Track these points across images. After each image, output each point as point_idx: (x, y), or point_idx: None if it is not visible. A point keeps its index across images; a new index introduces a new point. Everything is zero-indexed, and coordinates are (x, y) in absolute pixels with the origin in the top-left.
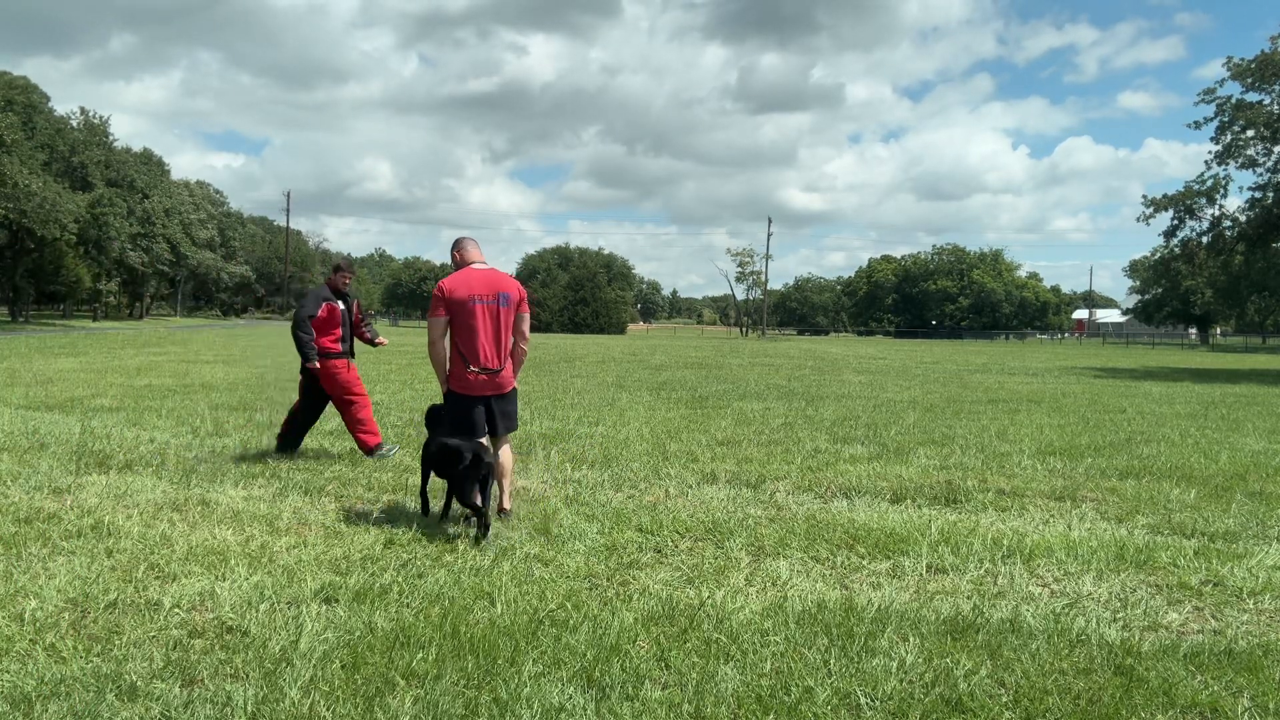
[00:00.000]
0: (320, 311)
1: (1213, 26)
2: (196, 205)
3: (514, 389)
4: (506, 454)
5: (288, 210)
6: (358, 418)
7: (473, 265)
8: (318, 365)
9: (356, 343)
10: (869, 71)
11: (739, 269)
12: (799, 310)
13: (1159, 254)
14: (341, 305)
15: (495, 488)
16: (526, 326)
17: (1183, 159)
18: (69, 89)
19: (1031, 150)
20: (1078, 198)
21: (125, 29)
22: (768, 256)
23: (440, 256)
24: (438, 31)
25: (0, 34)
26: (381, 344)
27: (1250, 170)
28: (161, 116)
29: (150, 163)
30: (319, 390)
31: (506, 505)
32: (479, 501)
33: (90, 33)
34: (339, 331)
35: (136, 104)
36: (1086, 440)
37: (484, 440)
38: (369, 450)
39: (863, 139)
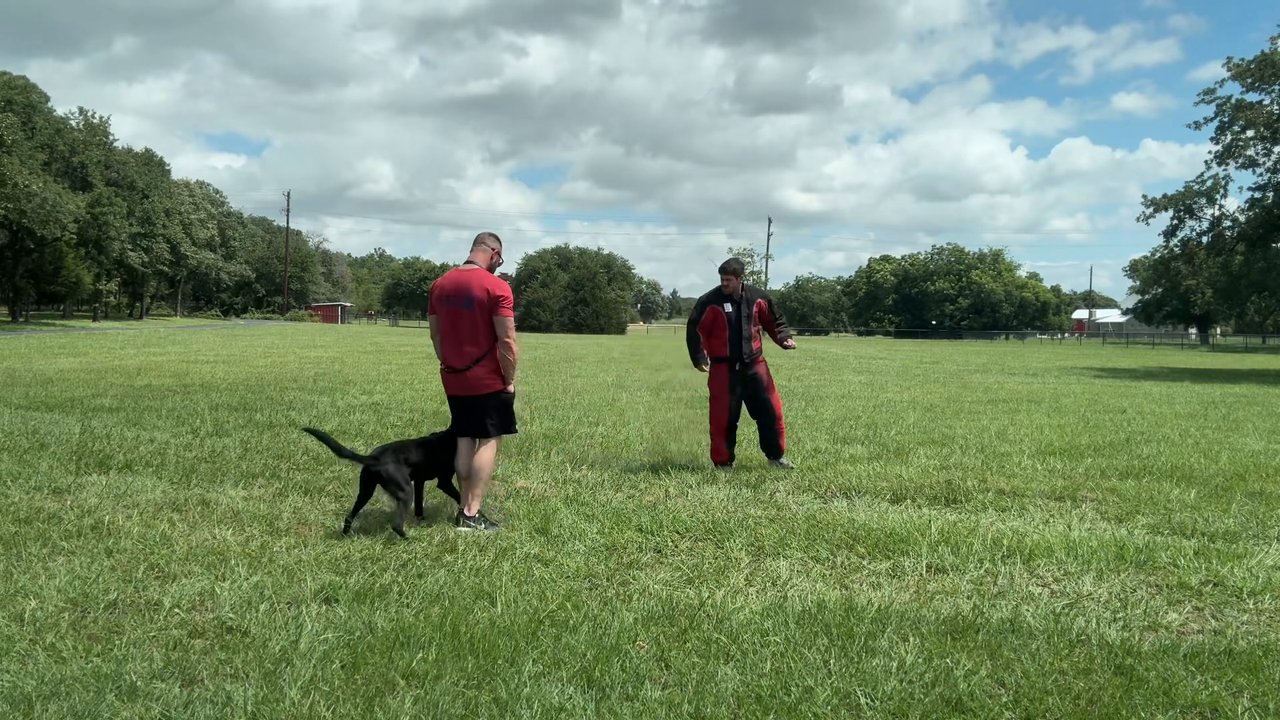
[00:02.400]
0: (704, 316)
1: (1207, 29)
2: (196, 205)
3: (489, 393)
4: (478, 459)
5: (287, 210)
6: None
7: (461, 265)
8: (704, 369)
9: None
10: (866, 73)
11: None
12: (799, 310)
13: (1159, 254)
14: (728, 309)
15: (468, 489)
16: (503, 329)
17: (1179, 160)
18: (72, 91)
19: (1029, 151)
20: (1075, 198)
21: (128, 32)
22: (768, 256)
23: (440, 256)
24: (437, 34)
25: (3, 36)
26: (790, 347)
27: (1250, 170)
28: (163, 118)
29: (151, 163)
30: (734, 389)
31: (468, 511)
32: (356, 508)
33: (93, 36)
34: (724, 335)
35: (139, 106)
36: (1086, 440)
37: (464, 439)
38: (721, 462)
39: (860, 140)
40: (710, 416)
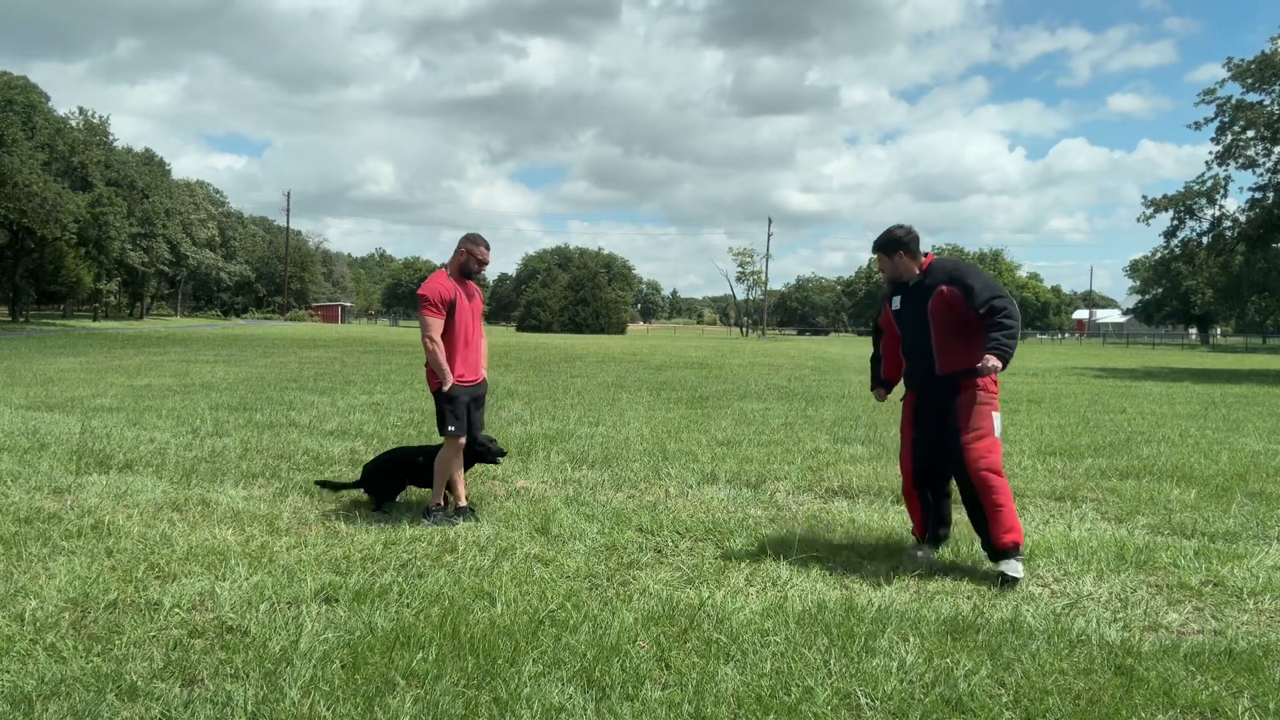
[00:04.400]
0: (881, 316)
1: (1202, 31)
2: (196, 205)
3: (434, 391)
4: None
5: (288, 210)
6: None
7: None
8: (878, 395)
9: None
10: (864, 75)
11: (739, 269)
12: (799, 310)
13: (1159, 254)
14: (896, 304)
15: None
16: (421, 328)
17: (1177, 160)
18: (75, 93)
19: (1028, 152)
20: (1073, 198)
21: (130, 34)
22: (768, 256)
23: (440, 256)
24: (437, 35)
25: (7, 39)
26: (989, 368)
27: (1250, 170)
28: (165, 119)
29: (151, 163)
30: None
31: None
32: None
33: (96, 38)
34: (898, 343)
35: (141, 107)
36: (1087, 440)
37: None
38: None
39: (859, 141)
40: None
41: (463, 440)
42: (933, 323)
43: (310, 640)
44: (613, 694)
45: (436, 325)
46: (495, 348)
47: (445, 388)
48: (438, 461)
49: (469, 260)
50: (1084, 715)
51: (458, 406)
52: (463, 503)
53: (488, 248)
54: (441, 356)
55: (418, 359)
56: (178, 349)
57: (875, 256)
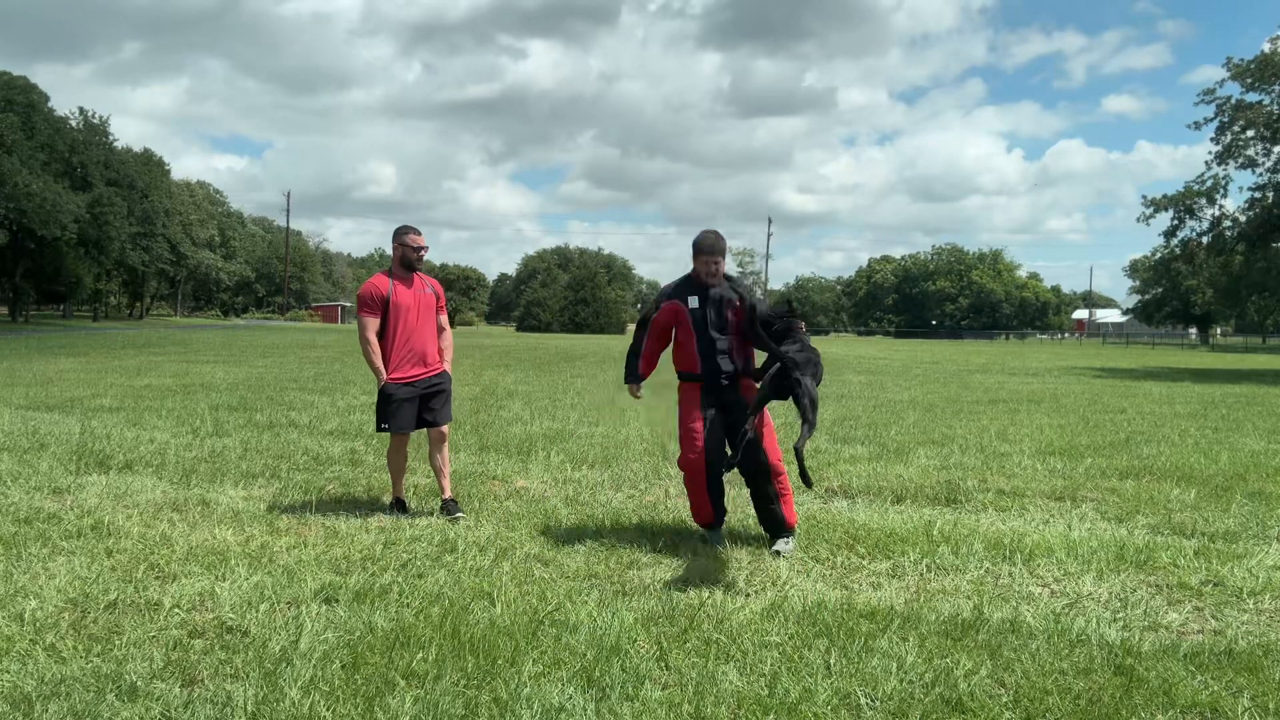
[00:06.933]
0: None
1: (1195, 34)
2: (197, 205)
3: None
4: None
5: (288, 210)
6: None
7: None
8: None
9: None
10: (861, 77)
11: (739, 269)
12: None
13: (1159, 254)
14: (694, 301)
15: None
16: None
17: (1172, 161)
18: (78, 95)
19: (1026, 153)
20: (1071, 199)
21: (134, 37)
22: (768, 256)
23: (439, 257)
24: (437, 38)
25: (11, 41)
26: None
27: (1250, 170)
28: (168, 121)
29: (150, 163)
30: None
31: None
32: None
33: (99, 41)
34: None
35: (144, 109)
36: (1086, 440)
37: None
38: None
39: (857, 142)
40: None
41: (405, 435)
42: (731, 330)
43: (310, 640)
44: (613, 694)
45: (368, 325)
46: (495, 348)
47: (379, 385)
48: (388, 456)
49: (404, 252)
50: (1084, 715)
51: (390, 404)
52: (446, 494)
53: (419, 234)
54: (374, 356)
55: None
56: (177, 349)
57: (717, 260)
